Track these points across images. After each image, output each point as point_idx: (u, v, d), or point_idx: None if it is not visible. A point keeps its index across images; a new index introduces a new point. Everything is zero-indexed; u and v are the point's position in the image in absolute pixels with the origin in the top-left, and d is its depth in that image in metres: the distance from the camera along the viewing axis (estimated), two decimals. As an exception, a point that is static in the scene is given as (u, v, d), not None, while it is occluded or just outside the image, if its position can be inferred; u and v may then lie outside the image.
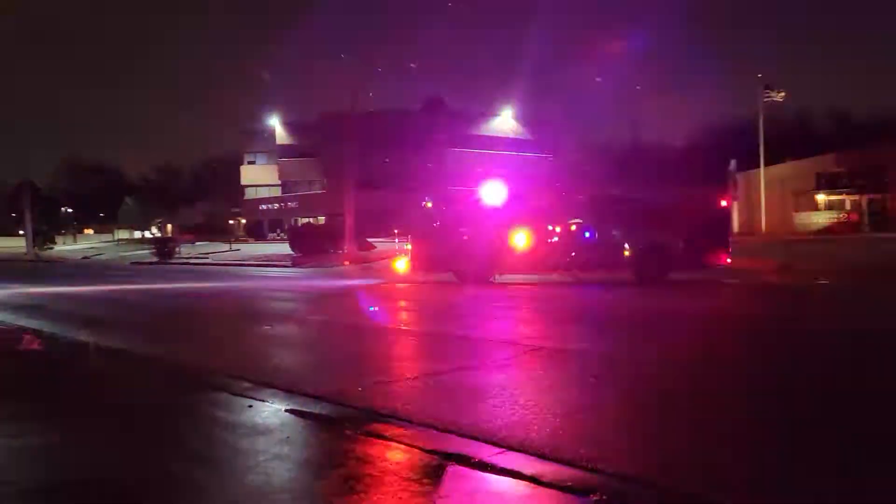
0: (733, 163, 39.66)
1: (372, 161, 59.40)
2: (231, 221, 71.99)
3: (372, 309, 14.10)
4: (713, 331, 10.64)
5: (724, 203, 19.16)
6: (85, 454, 4.78)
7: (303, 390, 6.58)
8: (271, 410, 5.80)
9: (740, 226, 39.91)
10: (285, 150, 74.48)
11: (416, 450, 4.75)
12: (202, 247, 52.40)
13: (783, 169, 47.88)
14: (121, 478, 4.26)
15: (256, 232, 77.20)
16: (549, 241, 18.54)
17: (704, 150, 54.66)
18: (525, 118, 65.71)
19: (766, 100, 38.37)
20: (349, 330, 11.45)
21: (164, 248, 41.82)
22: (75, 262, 47.19)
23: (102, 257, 51.55)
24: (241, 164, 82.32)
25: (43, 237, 63.95)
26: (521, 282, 19.03)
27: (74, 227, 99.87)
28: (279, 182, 75.57)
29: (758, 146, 41.38)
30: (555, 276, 18.66)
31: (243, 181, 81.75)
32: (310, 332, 11.54)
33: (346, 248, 33.31)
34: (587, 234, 18.47)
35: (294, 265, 32.16)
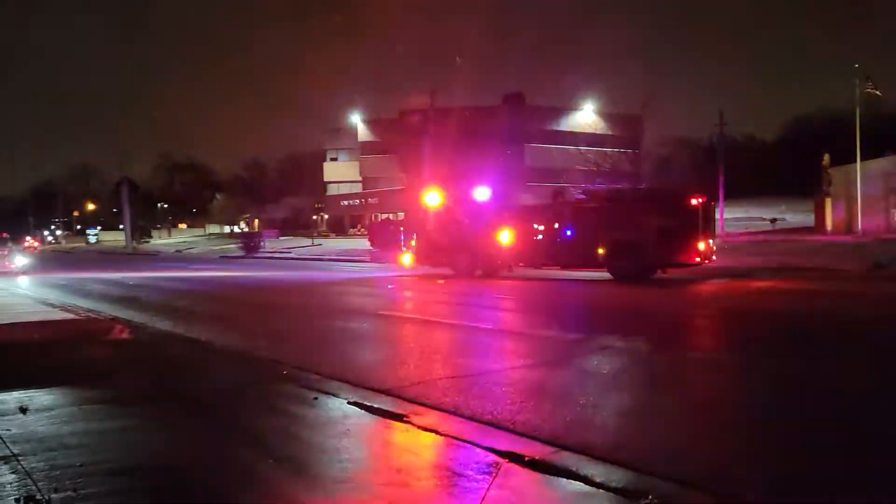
0: (826, 157, 37.67)
1: (453, 157, 59.70)
2: (314, 217, 73.85)
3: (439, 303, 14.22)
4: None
5: (694, 203, 18.69)
6: (160, 438, 5.06)
7: (366, 384, 6.74)
8: (335, 403, 5.96)
9: (835, 224, 37.79)
10: (366, 148, 75.83)
11: (470, 445, 4.80)
12: (286, 241, 54.11)
13: (885, 163, 45.15)
14: (189, 462, 4.49)
15: (337, 227, 78.97)
16: (534, 239, 20.33)
17: (797, 143, 52.21)
18: (607, 113, 64.57)
19: (867, 91, 36.22)
20: (414, 325, 11.61)
21: (250, 242, 43.38)
22: (169, 255, 49.56)
23: (194, 251, 53.90)
24: (324, 160, 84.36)
25: (140, 231, 67.52)
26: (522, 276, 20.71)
27: (169, 222, 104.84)
28: (360, 178, 77.01)
29: (855, 139, 39.23)
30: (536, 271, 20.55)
31: (326, 178, 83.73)
32: (379, 327, 11.75)
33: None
34: (567, 234, 19.86)
35: (372, 260, 32.72)
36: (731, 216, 42.82)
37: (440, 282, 19.74)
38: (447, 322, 12.00)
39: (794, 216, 46.07)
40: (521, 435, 5.06)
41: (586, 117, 56.80)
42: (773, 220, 43.61)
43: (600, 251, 18.89)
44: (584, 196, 22.51)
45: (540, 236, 20.17)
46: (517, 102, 70.16)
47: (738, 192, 47.90)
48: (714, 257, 19.39)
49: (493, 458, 4.48)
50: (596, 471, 4.24)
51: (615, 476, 4.15)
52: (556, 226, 19.98)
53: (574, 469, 4.26)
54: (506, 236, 20.54)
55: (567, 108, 68.08)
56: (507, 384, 6.91)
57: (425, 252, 22.40)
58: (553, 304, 14.84)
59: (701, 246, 18.32)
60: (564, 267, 20.05)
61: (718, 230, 28.32)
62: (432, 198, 22.39)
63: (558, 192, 25.17)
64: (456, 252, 21.12)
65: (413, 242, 22.91)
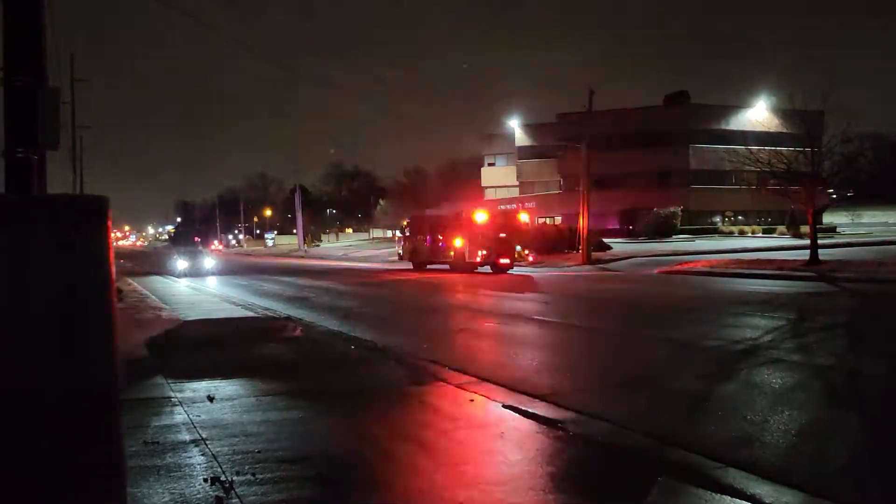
0: None
1: (612, 159, 58.37)
2: (472, 221, 75.19)
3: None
4: None
5: (522, 218, 29.68)
6: (329, 430, 5.38)
7: (522, 388, 6.77)
8: (490, 405, 6.04)
9: None
10: (523, 152, 76.00)
11: (630, 457, 4.68)
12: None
13: None
14: (355, 454, 4.73)
15: (495, 231, 79.63)
16: (438, 244, 28.95)
17: None
18: (782, 109, 60.21)
19: None
20: (569, 330, 11.46)
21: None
22: (337, 257, 52.44)
23: (358, 254, 56.66)
24: (482, 166, 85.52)
25: (311, 235, 72.10)
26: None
27: (337, 226, 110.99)
28: (517, 183, 77.29)
29: None
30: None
31: (483, 183, 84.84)
32: (534, 332, 11.72)
33: (580, 249, 33.12)
34: (440, 241, 28.79)
35: (530, 265, 32.70)
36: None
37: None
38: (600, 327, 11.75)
39: None
40: (680, 447, 4.87)
41: (758, 114, 53.26)
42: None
43: (451, 252, 28.02)
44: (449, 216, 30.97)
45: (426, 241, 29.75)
46: (681, 101, 67.29)
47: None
48: (531, 258, 28.60)
49: (652, 470, 4.34)
50: (763, 490, 3.99)
51: (786, 498, 3.88)
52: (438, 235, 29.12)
53: (740, 487, 4.04)
54: (430, 242, 29.58)
55: (737, 105, 64.36)
56: (666, 393, 6.67)
57: (406, 252, 31.99)
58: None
59: (515, 251, 27.39)
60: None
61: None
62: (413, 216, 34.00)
63: (458, 212, 31.25)
64: (416, 252, 30.71)
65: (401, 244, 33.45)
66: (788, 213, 53.82)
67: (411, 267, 30.49)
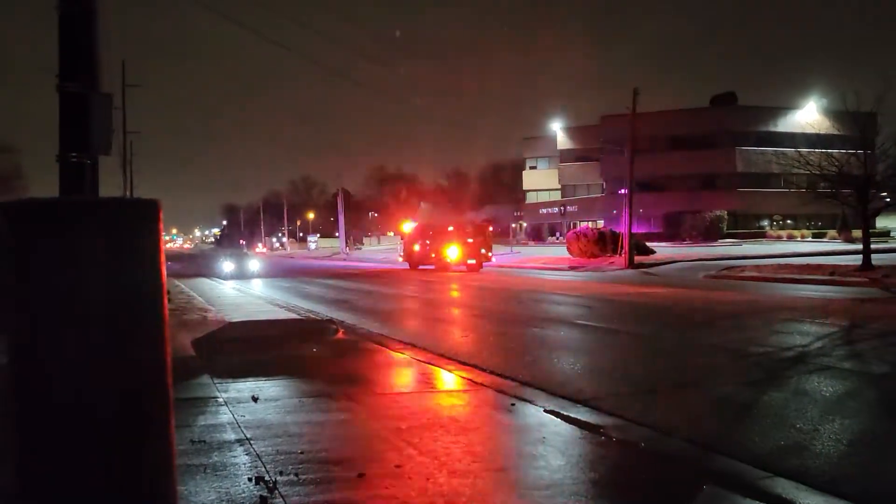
0: None
1: (656, 162, 57.59)
2: (512, 225, 74.88)
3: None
4: None
5: (490, 228, 37.84)
6: (370, 432, 5.41)
7: (564, 393, 6.72)
8: (531, 410, 6.01)
9: None
10: (565, 155, 75.49)
11: (674, 464, 4.61)
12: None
13: None
14: (397, 456, 4.74)
15: (536, 235, 79.34)
16: (426, 249, 35.25)
17: None
18: (833, 110, 58.63)
19: None
20: (610, 335, 11.33)
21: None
22: (378, 260, 52.75)
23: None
24: (524, 169, 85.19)
25: (353, 238, 72.78)
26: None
27: (378, 229, 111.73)
28: (559, 186, 76.80)
29: None
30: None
31: (525, 186, 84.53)
32: (574, 336, 11.62)
33: (623, 252, 32.77)
34: (427, 246, 35.27)
35: (571, 269, 32.47)
36: None
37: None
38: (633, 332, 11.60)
39: None
40: (725, 455, 4.77)
41: (808, 116, 51.99)
42: None
43: (433, 255, 34.47)
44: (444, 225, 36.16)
45: (417, 247, 36.18)
46: (728, 103, 66.05)
47: None
48: (494, 259, 35.91)
49: (696, 478, 4.27)
50: (814, 501, 3.89)
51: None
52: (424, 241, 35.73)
53: (789, 497, 3.94)
54: (425, 247, 35.54)
55: (786, 106, 62.94)
56: (710, 400, 6.55)
57: (405, 255, 38.63)
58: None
59: (482, 253, 34.11)
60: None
61: None
62: (408, 225, 40.03)
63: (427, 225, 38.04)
64: (412, 256, 36.95)
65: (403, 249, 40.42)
66: (839, 217, 52.39)
67: (408, 267, 37.11)
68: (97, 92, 7.95)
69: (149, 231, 2.07)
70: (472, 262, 33.61)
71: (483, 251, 34.25)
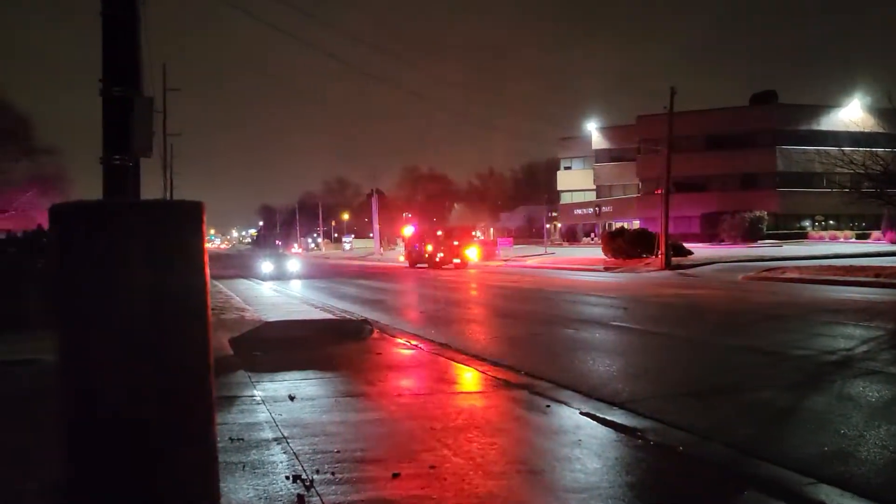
0: None
1: (693, 162, 56.78)
2: (547, 226, 74.59)
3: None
4: None
5: (474, 234, 44.42)
6: (401, 431, 5.42)
7: (599, 395, 6.66)
8: (567, 412, 5.96)
9: None
10: (600, 155, 74.86)
11: (713, 468, 4.54)
12: (520, 250, 55.16)
13: None
14: (435, 458, 4.75)
15: (571, 236, 78.83)
16: (421, 250, 40.72)
17: None
18: (878, 108, 57.08)
19: None
20: (646, 337, 11.18)
21: (486, 250, 44.89)
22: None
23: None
24: (558, 169, 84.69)
25: (387, 239, 73.09)
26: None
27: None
28: (594, 187, 76.19)
29: None
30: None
31: (559, 186, 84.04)
32: (609, 337, 11.50)
33: (659, 253, 32.36)
34: (421, 248, 40.99)
35: (606, 270, 32.19)
36: None
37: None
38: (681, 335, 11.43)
39: None
40: (766, 460, 4.68)
41: (851, 114, 50.75)
42: None
43: (426, 255, 39.82)
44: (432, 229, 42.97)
45: (415, 248, 41.77)
46: (768, 101, 64.83)
47: None
48: (476, 260, 40.50)
49: (736, 483, 4.19)
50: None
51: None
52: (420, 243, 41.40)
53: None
54: (419, 248, 41.08)
55: (828, 104, 61.52)
56: (750, 404, 6.42)
57: (406, 255, 44.11)
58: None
59: (465, 254, 38.94)
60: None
61: None
62: (408, 230, 45.92)
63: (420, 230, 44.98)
64: (412, 255, 42.32)
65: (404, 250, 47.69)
66: (885, 217, 51.02)
67: (408, 265, 42.52)
68: (139, 95, 8.11)
69: (193, 232, 2.10)
70: (458, 261, 38.52)
71: (467, 252, 39.62)
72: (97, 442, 2.01)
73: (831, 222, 63.48)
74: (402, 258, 46.25)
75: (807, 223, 63.95)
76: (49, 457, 4.51)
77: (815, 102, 63.66)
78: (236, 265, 44.06)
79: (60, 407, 2.04)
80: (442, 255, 38.72)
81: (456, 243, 38.99)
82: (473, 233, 43.63)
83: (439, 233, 40.84)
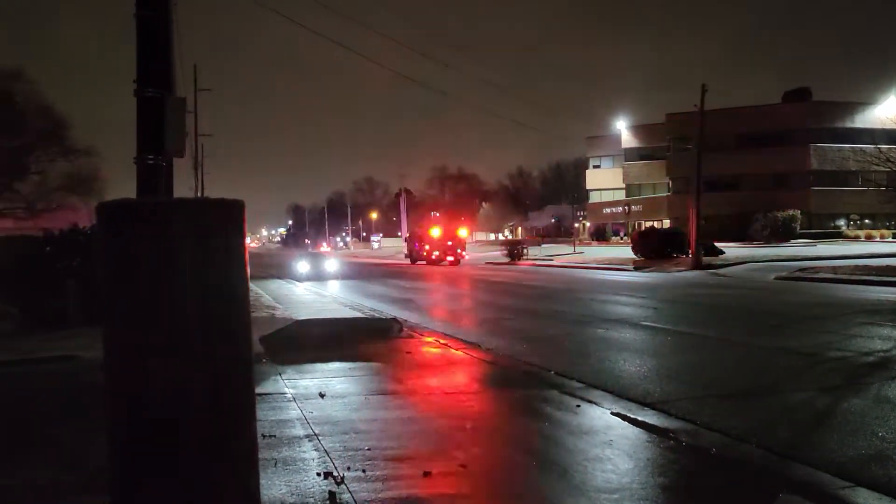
0: None
1: (725, 160, 55.99)
2: (576, 224, 74.10)
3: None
4: None
5: (460, 232, 45.41)
6: (431, 429, 5.43)
7: (630, 395, 6.61)
8: (597, 412, 5.93)
9: None
10: (630, 154, 74.20)
11: (747, 471, 4.47)
12: (548, 249, 54.94)
13: None
14: (466, 458, 4.75)
15: (599, 235, 78.27)
16: (420, 248, 44.47)
17: None
18: (915, 104, 55.77)
19: None
20: (678, 337, 11.05)
21: (514, 249, 44.68)
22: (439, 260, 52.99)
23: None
24: (587, 168, 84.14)
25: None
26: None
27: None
28: (623, 185, 75.53)
29: None
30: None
31: (588, 185, 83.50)
32: (640, 337, 11.40)
33: (690, 252, 31.97)
34: (427, 246, 44.13)
35: (635, 269, 31.88)
36: None
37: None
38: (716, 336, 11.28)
39: None
40: (801, 463, 4.60)
41: (888, 111, 49.63)
42: None
43: (424, 253, 43.56)
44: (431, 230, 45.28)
45: (415, 247, 45.38)
46: (801, 98, 63.71)
47: None
48: (466, 257, 44.44)
49: (771, 486, 4.13)
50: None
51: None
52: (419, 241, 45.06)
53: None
54: (420, 246, 44.77)
55: (863, 101, 60.26)
56: (784, 406, 6.32)
57: (409, 253, 47.39)
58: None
59: (458, 252, 42.77)
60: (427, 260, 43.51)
61: None
62: (435, 231, 46.41)
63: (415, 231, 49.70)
64: (414, 253, 45.71)
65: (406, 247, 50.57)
66: (923, 216, 49.84)
67: (409, 262, 45.81)
68: (172, 96, 8.22)
69: (235, 229, 2.11)
70: (451, 259, 42.35)
71: (459, 251, 43.42)
72: (143, 439, 2.04)
73: (867, 221, 62.19)
74: (404, 255, 49.83)
75: (841, 222, 62.73)
76: (90, 452, 4.61)
77: (850, 99, 62.41)
78: (265, 264, 44.51)
79: (107, 405, 2.07)
80: (440, 253, 42.55)
81: (450, 243, 42.77)
82: (458, 231, 45.53)
83: (436, 231, 44.23)
